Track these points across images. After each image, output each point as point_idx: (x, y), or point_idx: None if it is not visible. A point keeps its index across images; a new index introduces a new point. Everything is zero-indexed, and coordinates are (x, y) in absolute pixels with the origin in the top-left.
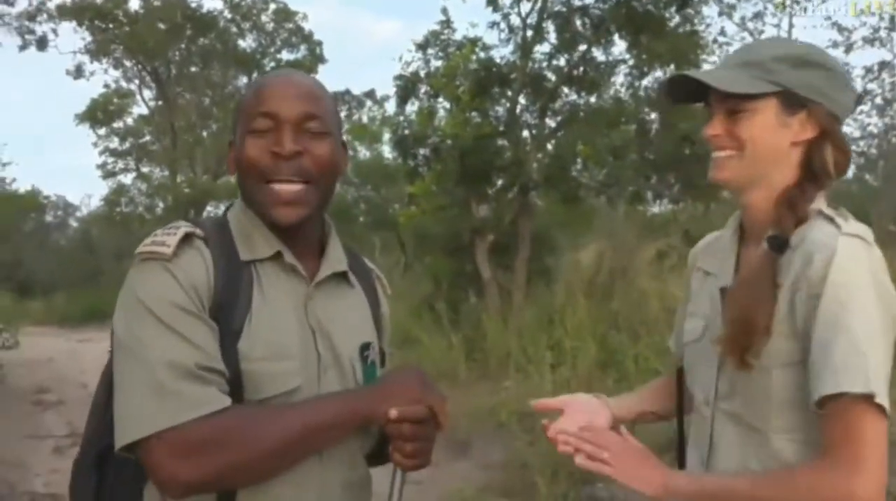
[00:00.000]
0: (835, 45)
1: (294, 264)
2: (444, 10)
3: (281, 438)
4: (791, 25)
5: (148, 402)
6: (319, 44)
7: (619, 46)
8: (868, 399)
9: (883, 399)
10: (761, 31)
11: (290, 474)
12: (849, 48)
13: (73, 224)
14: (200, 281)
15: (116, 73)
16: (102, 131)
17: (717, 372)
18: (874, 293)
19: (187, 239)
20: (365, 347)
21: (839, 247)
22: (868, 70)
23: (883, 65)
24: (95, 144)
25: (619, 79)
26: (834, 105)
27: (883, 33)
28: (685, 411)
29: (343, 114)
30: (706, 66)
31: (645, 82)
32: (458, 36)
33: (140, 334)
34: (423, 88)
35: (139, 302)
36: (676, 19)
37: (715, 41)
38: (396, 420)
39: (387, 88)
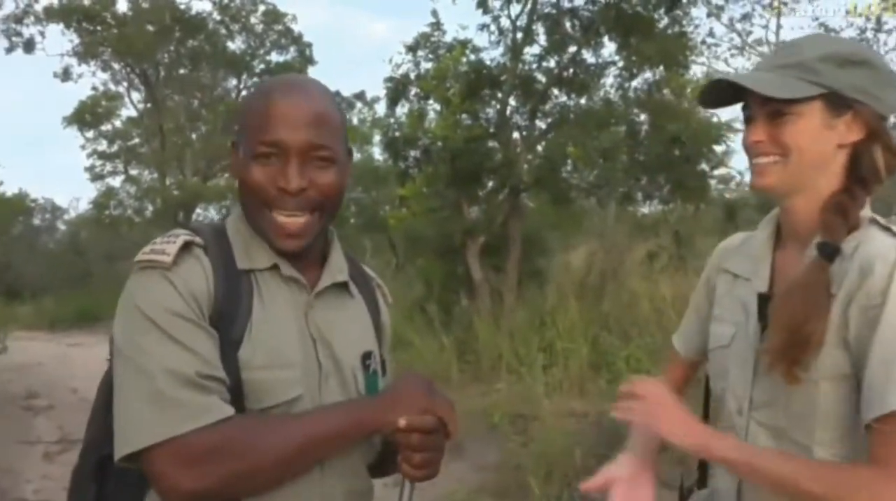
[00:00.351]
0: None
1: (293, 275)
2: (434, 13)
3: (285, 448)
4: (779, 26)
5: (148, 412)
6: (309, 45)
7: (609, 48)
8: None
9: None
10: (749, 33)
11: (292, 485)
12: None
13: (62, 227)
14: (200, 290)
15: (105, 76)
16: (90, 134)
17: (753, 381)
18: None
19: (187, 247)
20: (366, 356)
21: None
22: None
23: None
24: (83, 147)
25: (609, 80)
26: (880, 105)
27: (870, 34)
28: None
29: None
30: (695, 68)
31: (634, 84)
32: (448, 38)
33: (140, 342)
34: (414, 90)
35: (138, 310)
36: (665, 21)
37: (703, 42)
38: (405, 429)
39: (377, 90)
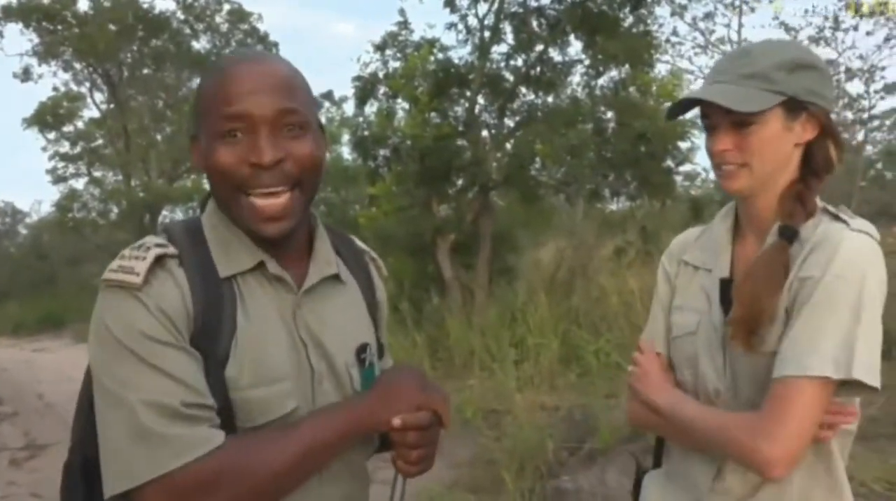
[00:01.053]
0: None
1: (279, 274)
2: (402, 12)
3: (282, 463)
4: (741, 25)
5: (134, 449)
6: (275, 45)
7: (575, 47)
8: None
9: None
10: (712, 31)
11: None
12: None
13: (23, 231)
14: (177, 309)
15: (66, 76)
16: (52, 135)
17: (724, 362)
18: (876, 288)
19: (158, 261)
20: (361, 349)
21: (846, 239)
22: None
23: (828, 63)
24: (45, 149)
25: (576, 79)
26: (826, 102)
27: (828, 33)
28: None
29: None
30: (660, 66)
31: (601, 82)
32: (415, 37)
33: (116, 372)
34: (382, 89)
35: (111, 335)
36: (630, 20)
37: (668, 41)
38: (401, 429)
39: (345, 89)
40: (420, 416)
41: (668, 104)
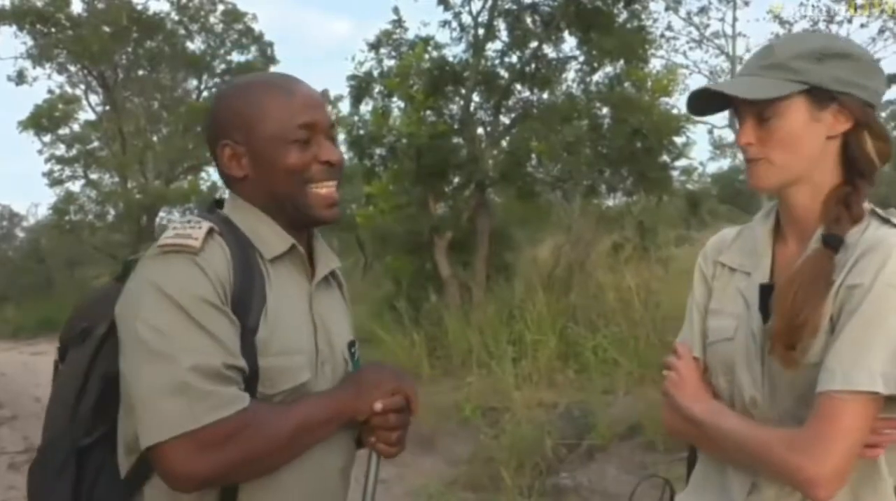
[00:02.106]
0: (776, 37)
1: (305, 259)
2: (396, 10)
3: (288, 433)
4: (735, 19)
5: (173, 403)
6: (270, 45)
7: (570, 43)
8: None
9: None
10: (706, 26)
11: (297, 464)
12: None
13: (20, 234)
14: (224, 276)
15: (61, 79)
16: (48, 138)
17: (762, 370)
18: None
19: (210, 233)
20: (351, 344)
21: None
22: None
23: None
24: (41, 152)
25: (571, 75)
26: (864, 93)
27: (822, 25)
28: None
29: None
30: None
31: (596, 78)
32: (410, 35)
33: (167, 330)
34: (377, 88)
35: (165, 296)
36: (624, 15)
37: (662, 36)
38: (382, 412)
39: (339, 88)
40: (397, 399)
41: (663, 99)
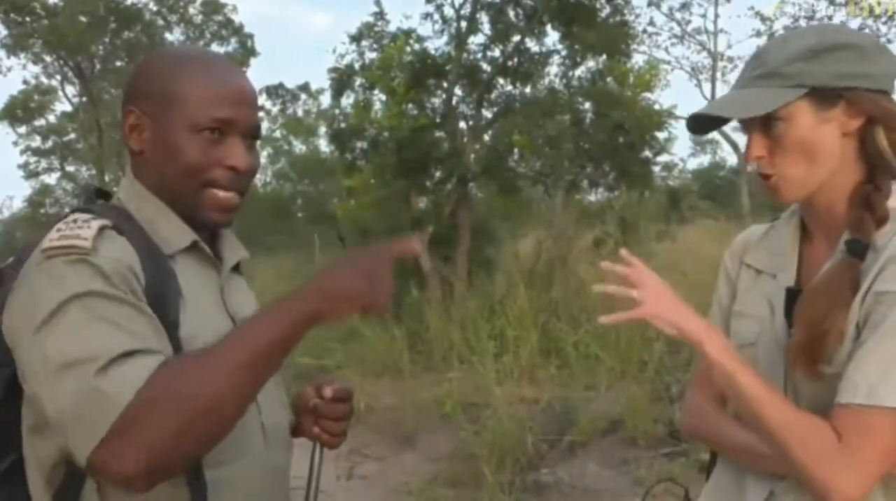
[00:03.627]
0: (758, 34)
1: (210, 254)
2: (378, 2)
3: (218, 387)
4: (717, 15)
5: (83, 411)
6: (251, 37)
7: (552, 37)
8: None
9: None
10: (688, 21)
11: (244, 459)
12: (771, 37)
13: None
14: (129, 272)
15: (36, 69)
16: (23, 129)
17: (784, 376)
18: None
19: (101, 231)
20: None
21: None
22: None
23: None
24: (16, 143)
25: (553, 69)
26: (872, 81)
27: (802, 23)
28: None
29: (277, 109)
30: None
31: (578, 72)
32: (391, 28)
33: (62, 338)
34: (359, 81)
35: (61, 305)
36: (607, 10)
37: (644, 31)
38: (332, 399)
39: (320, 81)
40: (346, 387)
41: (645, 94)
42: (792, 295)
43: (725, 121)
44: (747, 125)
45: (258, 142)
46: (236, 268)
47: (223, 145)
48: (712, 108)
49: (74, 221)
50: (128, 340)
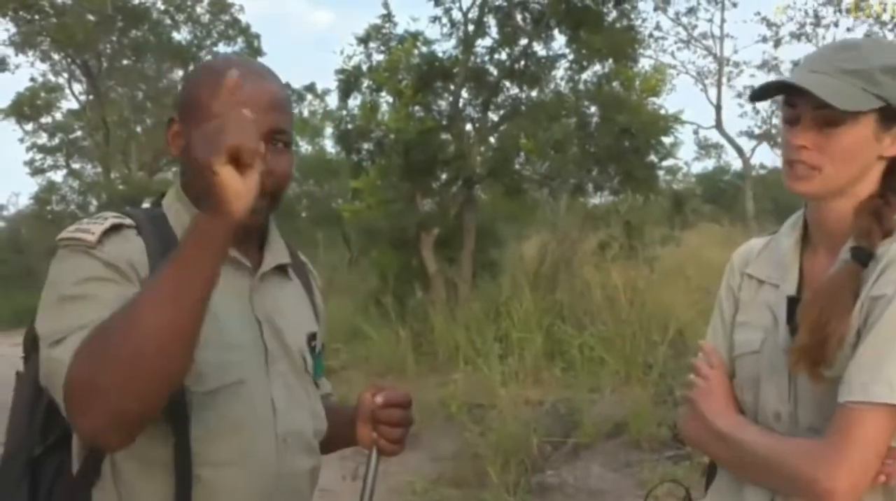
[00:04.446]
0: (764, 39)
1: (236, 257)
2: (386, 4)
3: (144, 329)
4: (723, 20)
5: (49, 379)
6: (257, 36)
7: (559, 41)
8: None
9: None
10: (695, 26)
11: (246, 464)
12: (777, 43)
13: (0, 224)
14: (129, 265)
15: (44, 66)
16: (30, 126)
17: (789, 384)
18: None
19: (115, 228)
20: (312, 337)
21: None
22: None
23: None
24: (22, 140)
25: (560, 73)
26: None
27: (809, 29)
28: None
29: None
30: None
31: (584, 76)
32: (399, 30)
33: (59, 317)
34: (366, 82)
35: (55, 290)
36: (614, 14)
37: (651, 36)
38: (384, 406)
39: (323, 80)
40: (401, 393)
41: (651, 99)
42: (794, 304)
43: (779, 92)
44: (804, 110)
45: (290, 146)
46: (284, 273)
47: None
48: (807, 83)
49: (96, 218)
50: (95, 312)
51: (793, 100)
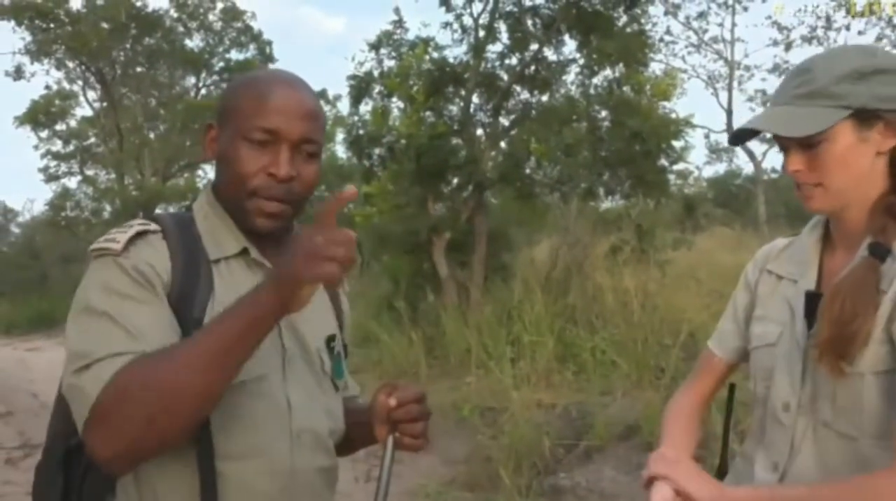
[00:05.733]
0: (775, 43)
1: (261, 260)
2: (397, 10)
3: (183, 377)
4: (734, 24)
5: (72, 399)
6: (269, 43)
7: (570, 46)
8: None
9: None
10: (705, 30)
11: (262, 458)
12: (788, 46)
13: (15, 230)
14: (156, 266)
15: (59, 74)
16: (44, 134)
17: (802, 378)
18: None
19: (140, 235)
20: (331, 339)
21: None
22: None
23: None
24: (37, 147)
25: (570, 77)
26: None
27: (820, 32)
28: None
29: None
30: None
31: (595, 81)
32: (410, 36)
33: (79, 331)
34: (377, 88)
35: (83, 298)
36: (624, 19)
37: (661, 40)
38: (399, 405)
39: (334, 86)
40: (413, 391)
41: (662, 103)
42: (811, 299)
43: (751, 134)
44: (785, 140)
45: (318, 156)
46: None
47: (268, 153)
48: (762, 125)
49: (124, 227)
50: (120, 341)
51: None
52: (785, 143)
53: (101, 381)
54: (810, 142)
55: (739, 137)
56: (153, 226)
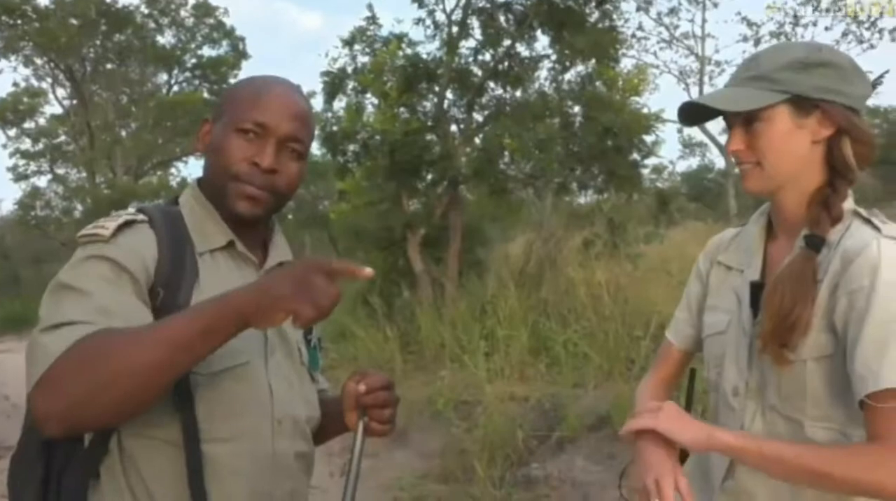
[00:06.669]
0: (744, 39)
1: (246, 253)
2: (370, 6)
3: (135, 358)
4: (704, 20)
5: (31, 357)
6: (242, 39)
7: (542, 42)
8: None
9: None
10: (676, 26)
11: (246, 442)
12: (757, 42)
13: None
14: (143, 254)
15: (27, 71)
16: (12, 132)
17: (748, 363)
18: None
19: (128, 224)
20: (308, 331)
21: (883, 248)
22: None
23: None
24: (5, 146)
25: (543, 73)
26: (847, 99)
27: (788, 28)
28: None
29: None
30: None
31: (568, 76)
32: (384, 32)
33: (55, 307)
34: (351, 84)
35: (58, 280)
36: (596, 15)
37: (633, 36)
38: (368, 392)
39: (309, 82)
40: (380, 377)
41: (633, 98)
42: (756, 288)
43: (714, 114)
44: (731, 120)
45: (304, 156)
46: None
47: (256, 145)
48: (704, 100)
49: (112, 216)
50: (91, 314)
51: (725, 115)
52: (730, 122)
53: (66, 342)
54: (750, 122)
55: (690, 117)
56: (141, 216)
